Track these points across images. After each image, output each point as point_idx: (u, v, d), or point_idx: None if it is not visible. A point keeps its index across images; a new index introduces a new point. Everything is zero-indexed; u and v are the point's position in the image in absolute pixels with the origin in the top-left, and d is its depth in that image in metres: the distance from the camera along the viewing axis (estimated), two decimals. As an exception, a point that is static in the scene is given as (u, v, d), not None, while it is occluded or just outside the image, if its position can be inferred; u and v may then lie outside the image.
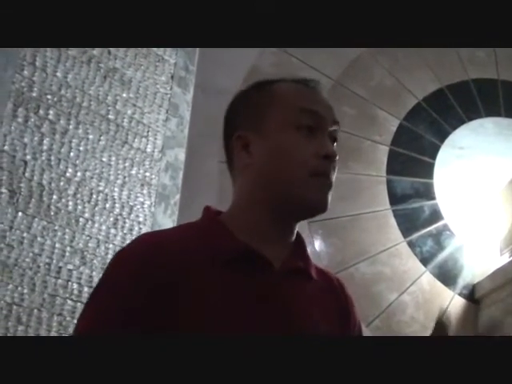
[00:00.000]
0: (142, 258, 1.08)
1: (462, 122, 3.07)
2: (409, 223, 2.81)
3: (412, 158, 2.93)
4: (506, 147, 3.05)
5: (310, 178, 1.14)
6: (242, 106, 1.25)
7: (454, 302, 2.73)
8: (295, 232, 1.22)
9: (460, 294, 2.75)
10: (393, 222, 2.79)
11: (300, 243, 1.24)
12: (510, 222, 2.74)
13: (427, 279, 2.74)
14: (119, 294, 1.05)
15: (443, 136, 3.02)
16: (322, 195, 1.15)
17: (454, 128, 3.05)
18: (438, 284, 2.74)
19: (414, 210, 2.84)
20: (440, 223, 2.85)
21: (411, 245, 2.78)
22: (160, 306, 1.03)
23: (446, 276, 2.77)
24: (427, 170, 2.93)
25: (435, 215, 2.86)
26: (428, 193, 2.89)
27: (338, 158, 1.17)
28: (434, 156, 2.96)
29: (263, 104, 1.21)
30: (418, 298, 2.69)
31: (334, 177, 1.17)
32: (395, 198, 2.84)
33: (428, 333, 2.63)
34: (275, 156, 1.16)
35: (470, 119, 3.08)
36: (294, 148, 1.15)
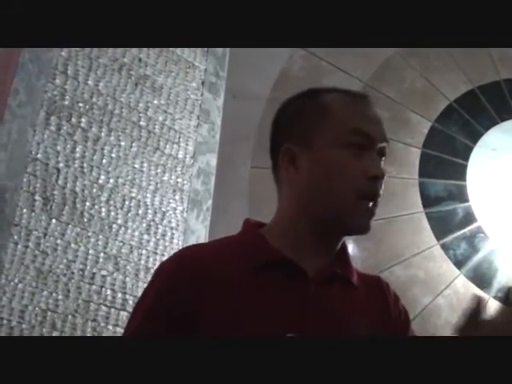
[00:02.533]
0: (180, 268, 1.13)
1: (495, 123, 3.03)
2: (442, 226, 2.79)
3: (444, 160, 2.90)
4: (539, 148, 3.01)
5: (355, 201, 1.13)
6: (293, 118, 1.24)
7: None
8: (337, 246, 1.21)
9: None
10: (426, 224, 2.77)
11: (342, 251, 1.23)
12: (545, 224, 2.70)
13: (462, 282, 2.71)
14: (161, 302, 1.11)
15: (476, 137, 2.99)
16: (366, 220, 1.15)
17: (487, 129, 3.01)
18: (473, 287, 2.71)
19: (447, 213, 2.81)
20: (473, 226, 2.82)
21: (445, 248, 2.75)
22: (196, 313, 1.06)
23: (481, 279, 2.74)
24: (460, 172, 2.90)
25: (469, 217, 2.83)
26: (461, 195, 2.86)
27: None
28: (466, 158, 2.93)
29: (315, 119, 1.20)
30: (452, 302, 2.67)
31: (379, 197, 1.16)
32: (428, 201, 2.81)
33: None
34: (322, 174, 1.16)
35: (503, 120, 3.05)
36: (342, 167, 1.15)
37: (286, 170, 1.21)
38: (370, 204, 1.15)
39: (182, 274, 1.11)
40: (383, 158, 1.20)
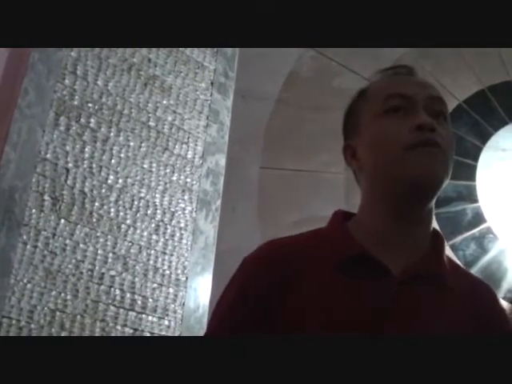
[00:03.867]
0: (262, 261, 1.13)
1: (505, 124, 3.03)
2: (452, 226, 2.78)
3: (454, 161, 2.89)
4: (549, 148, 3.00)
5: (404, 152, 1.08)
6: (346, 117, 1.25)
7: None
8: (427, 228, 1.15)
9: (504, 298, 2.71)
10: (436, 225, 2.76)
11: (436, 245, 1.16)
12: (555, 225, 2.70)
13: (471, 283, 2.71)
14: (244, 294, 1.10)
15: (485, 138, 2.98)
16: (422, 166, 1.07)
17: (497, 129, 3.01)
18: (482, 288, 2.71)
19: (456, 213, 2.81)
20: (483, 226, 2.82)
21: (454, 248, 2.75)
22: (276, 304, 1.06)
23: (490, 279, 2.73)
24: (470, 173, 2.89)
25: (478, 218, 2.82)
26: (471, 195, 2.86)
27: (440, 130, 1.11)
28: (476, 158, 2.93)
29: (358, 108, 1.21)
30: (462, 303, 2.66)
31: (442, 146, 1.09)
32: (438, 201, 2.77)
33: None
34: (373, 148, 1.15)
35: (513, 120, 3.04)
36: (384, 131, 1.13)
37: (352, 165, 1.21)
38: (425, 150, 1.08)
39: (267, 268, 1.10)
40: (443, 119, 1.15)
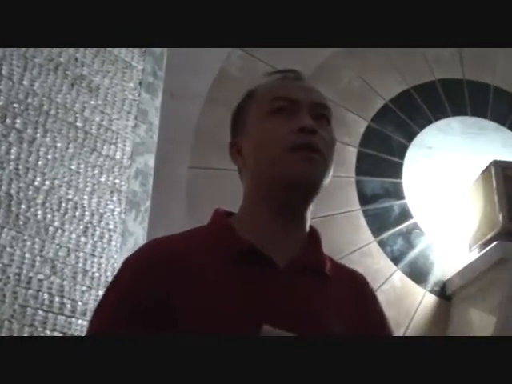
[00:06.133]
0: (144, 261, 1.12)
1: (430, 122, 3.10)
2: (379, 223, 2.83)
3: (381, 159, 2.95)
4: (472, 146, 3.09)
5: (285, 153, 1.13)
6: (234, 115, 1.29)
7: (425, 299, 2.75)
8: (304, 226, 1.20)
9: (431, 291, 2.77)
10: (363, 222, 2.81)
11: (314, 240, 1.22)
12: (477, 219, 2.77)
13: (399, 277, 2.76)
14: (125, 296, 1.08)
15: (411, 136, 3.04)
16: (301, 168, 1.12)
17: (422, 128, 3.07)
18: (410, 282, 2.76)
19: (383, 210, 2.86)
20: (410, 222, 2.88)
21: (382, 244, 2.79)
22: (162, 304, 1.04)
23: (417, 273, 2.79)
24: (396, 170, 2.95)
25: (405, 214, 2.88)
26: (397, 192, 2.91)
27: (321, 133, 1.15)
28: (402, 156, 2.99)
29: (246, 108, 1.24)
30: (390, 296, 2.71)
31: (322, 150, 1.14)
32: (365, 199, 2.85)
33: (401, 330, 2.64)
34: (256, 146, 1.18)
35: (437, 119, 3.11)
36: (268, 131, 1.16)
37: (237, 162, 1.25)
38: (304, 153, 1.13)
39: (150, 268, 1.09)
40: (327, 125, 1.20)
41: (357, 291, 1.25)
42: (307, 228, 1.22)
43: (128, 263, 1.15)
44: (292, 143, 1.13)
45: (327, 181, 1.18)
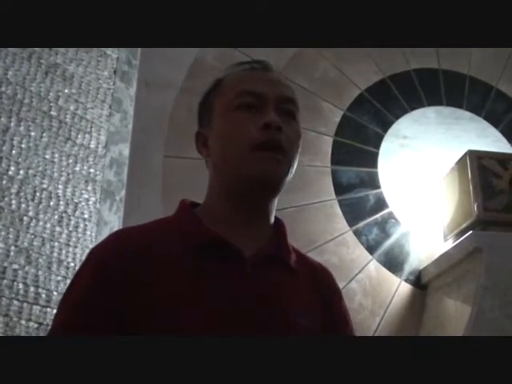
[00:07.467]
0: (113, 252, 1.10)
1: (405, 112, 3.12)
2: (354, 212, 2.84)
3: (356, 148, 2.96)
4: (447, 135, 3.11)
5: (250, 152, 1.13)
6: (201, 104, 1.27)
7: (401, 288, 2.77)
8: (269, 218, 1.21)
9: (407, 280, 2.80)
10: (338, 211, 2.82)
11: (279, 231, 1.23)
12: (452, 209, 2.79)
13: (374, 266, 2.77)
14: (87, 290, 1.06)
15: (387, 126, 3.06)
16: (266, 167, 1.13)
17: (397, 118, 3.09)
18: (385, 271, 2.78)
19: (359, 200, 2.87)
20: (385, 211, 2.89)
21: (357, 233, 2.81)
22: (131, 297, 1.04)
23: (393, 263, 2.81)
24: (371, 160, 2.96)
25: (380, 204, 2.90)
26: (373, 182, 2.93)
27: (286, 129, 1.15)
28: (377, 146, 3.00)
29: (212, 99, 1.23)
30: (365, 286, 2.73)
31: (286, 148, 1.14)
32: (340, 188, 2.87)
33: (376, 320, 2.66)
34: (220, 141, 1.18)
35: (413, 109, 3.13)
36: (234, 127, 1.16)
37: (202, 153, 1.24)
38: (269, 153, 1.13)
39: (116, 258, 1.08)
40: (293, 120, 1.20)
41: (322, 284, 1.25)
42: (272, 220, 1.23)
43: (93, 253, 1.14)
44: (256, 141, 1.13)
45: (291, 176, 1.19)
